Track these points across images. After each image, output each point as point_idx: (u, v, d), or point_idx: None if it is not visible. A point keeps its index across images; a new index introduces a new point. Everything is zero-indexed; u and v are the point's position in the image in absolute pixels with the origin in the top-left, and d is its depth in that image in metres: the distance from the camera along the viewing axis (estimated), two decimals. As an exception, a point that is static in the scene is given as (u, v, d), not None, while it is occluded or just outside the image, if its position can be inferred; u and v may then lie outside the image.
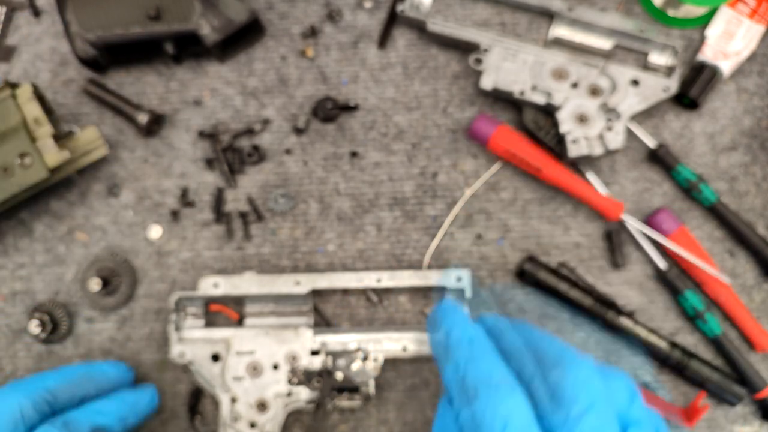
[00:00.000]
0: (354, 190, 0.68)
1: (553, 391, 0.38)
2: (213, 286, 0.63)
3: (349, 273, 0.64)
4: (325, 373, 0.61)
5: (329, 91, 0.70)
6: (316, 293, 0.66)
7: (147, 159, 0.68)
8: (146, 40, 0.65)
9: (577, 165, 0.68)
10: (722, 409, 0.65)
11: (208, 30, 0.65)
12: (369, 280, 0.64)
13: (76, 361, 0.65)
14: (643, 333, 0.64)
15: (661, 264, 0.66)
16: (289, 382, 0.61)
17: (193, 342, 0.62)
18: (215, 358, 0.62)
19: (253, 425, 0.60)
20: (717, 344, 0.65)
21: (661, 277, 0.66)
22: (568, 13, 0.69)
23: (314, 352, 0.62)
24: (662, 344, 0.64)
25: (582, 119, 0.65)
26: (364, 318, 0.66)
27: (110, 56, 0.67)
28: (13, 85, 0.61)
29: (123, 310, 0.66)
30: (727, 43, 0.69)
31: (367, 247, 0.67)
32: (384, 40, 0.71)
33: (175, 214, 0.67)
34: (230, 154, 0.68)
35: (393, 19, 0.71)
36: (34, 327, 0.63)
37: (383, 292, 0.67)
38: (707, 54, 0.69)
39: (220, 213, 0.68)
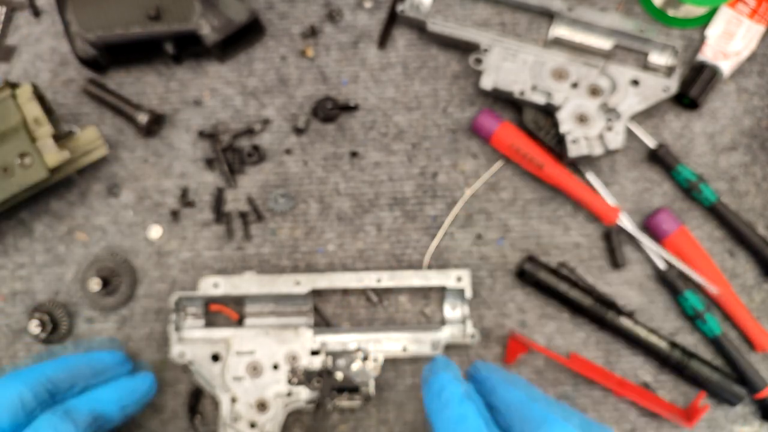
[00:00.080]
0: (354, 190, 0.68)
1: None
2: (213, 286, 0.63)
3: (349, 273, 0.64)
4: (325, 373, 0.61)
5: (329, 91, 0.70)
6: (316, 293, 0.66)
7: (147, 159, 0.68)
8: (146, 40, 0.65)
9: (577, 165, 0.68)
10: (722, 409, 0.65)
11: (208, 30, 0.65)
12: (369, 280, 0.64)
13: None
14: (643, 333, 0.64)
15: (661, 264, 0.66)
16: (289, 382, 0.61)
17: (193, 342, 0.62)
18: (215, 358, 0.62)
19: (253, 425, 0.60)
20: (717, 344, 0.65)
21: (660, 277, 0.66)
22: (568, 13, 0.69)
23: (314, 352, 0.62)
24: (662, 344, 0.64)
25: (582, 119, 0.65)
26: (364, 318, 0.66)
27: (110, 56, 0.67)
28: (13, 85, 0.61)
29: (123, 310, 0.66)
30: (727, 43, 0.69)
31: (367, 247, 0.67)
32: (384, 40, 0.71)
33: (175, 214, 0.67)
34: (230, 154, 0.68)
35: (393, 19, 0.71)
36: (34, 327, 0.63)
37: (383, 292, 0.67)
38: (707, 54, 0.69)
39: (220, 213, 0.68)
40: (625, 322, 0.64)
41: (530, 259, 0.65)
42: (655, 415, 0.64)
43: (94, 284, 0.63)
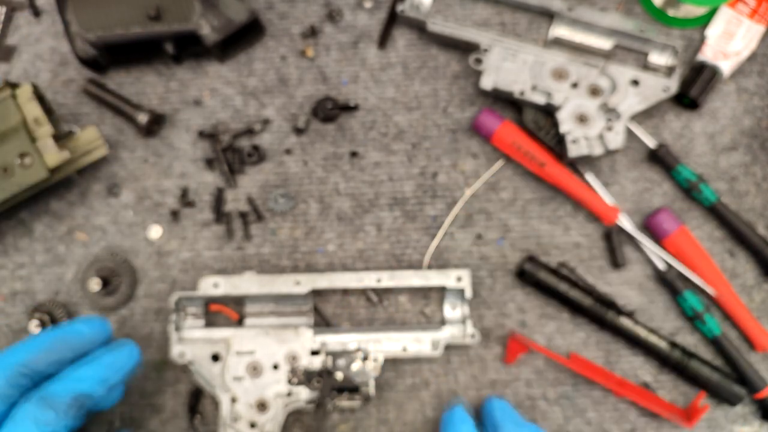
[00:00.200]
0: (354, 190, 0.68)
1: None
2: (213, 286, 0.63)
3: (349, 273, 0.64)
4: (325, 373, 0.61)
5: (329, 91, 0.70)
6: (316, 293, 0.66)
7: (147, 159, 0.68)
8: (146, 40, 0.65)
9: (577, 165, 0.68)
10: (722, 409, 0.65)
11: (208, 30, 0.65)
12: (369, 280, 0.64)
13: None
14: (643, 333, 0.64)
15: (660, 264, 0.66)
16: (289, 382, 0.61)
17: (193, 342, 0.62)
18: (215, 358, 0.62)
19: (253, 425, 0.60)
20: (717, 344, 0.65)
21: (660, 277, 0.66)
22: (568, 13, 0.69)
23: (314, 352, 0.62)
24: (662, 344, 0.64)
25: (582, 119, 0.65)
26: (364, 318, 0.66)
27: (110, 56, 0.67)
28: (13, 85, 0.61)
29: (123, 310, 0.66)
30: (727, 43, 0.69)
31: (367, 247, 0.67)
32: (384, 40, 0.71)
33: (175, 214, 0.67)
34: (230, 154, 0.68)
35: (393, 19, 0.71)
36: (34, 327, 0.63)
37: (383, 292, 0.67)
38: (707, 54, 0.69)
39: (220, 213, 0.68)
40: (625, 322, 0.64)
41: (530, 259, 0.65)
42: (655, 415, 0.64)
43: (94, 284, 0.63)
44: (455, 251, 0.67)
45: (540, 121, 0.67)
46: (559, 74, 0.66)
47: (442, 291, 0.66)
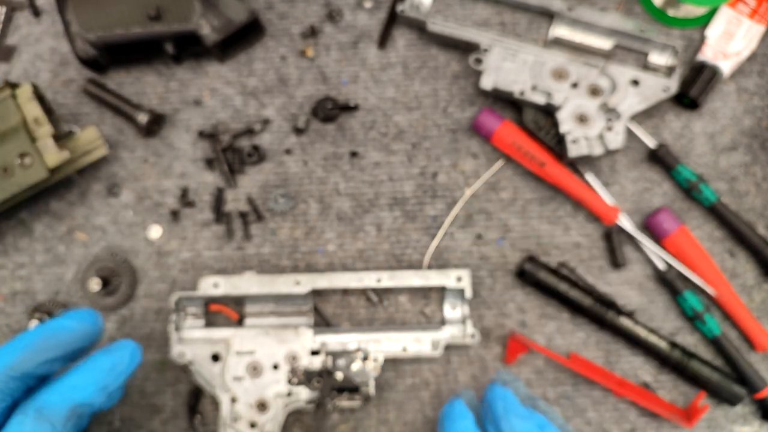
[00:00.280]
0: (354, 190, 0.68)
1: None
2: (213, 286, 0.63)
3: (349, 273, 0.64)
4: (325, 373, 0.61)
5: (329, 91, 0.70)
6: (316, 293, 0.66)
7: (147, 159, 0.68)
8: (146, 40, 0.65)
9: (577, 165, 0.68)
10: (722, 409, 0.65)
11: (208, 30, 0.65)
12: (369, 280, 0.64)
13: None
14: (643, 333, 0.64)
15: (660, 264, 0.66)
16: (289, 382, 0.61)
17: (193, 342, 0.62)
18: (215, 358, 0.62)
19: (253, 425, 0.60)
20: (717, 344, 0.65)
21: (660, 277, 0.66)
22: (568, 13, 0.69)
23: (314, 352, 0.62)
24: (662, 344, 0.64)
25: (582, 119, 0.65)
26: (364, 318, 0.66)
27: (110, 56, 0.67)
28: (13, 85, 0.61)
29: (123, 310, 0.66)
30: (727, 43, 0.69)
31: (367, 247, 0.67)
32: (384, 40, 0.71)
33: (175, 214, 0.67)
34: (230, 154, 0.68)
35: (393, 19, 0.71)
36: (34, 327, 0.63)
37: (383, 292, 0.67)
38: (707, 54, 0.69)
39: (220, 213, 0.68)
40: (625, 322, 0.64)
41: (530, 259, 0.65)
42: (655, 415, 0.64)
43: (94, 284, 0.63)
44: (455, 251, 0.67)
45: (540, 121, 0.67)
46: (559, 74, 0.66)
47: (442, 291, 0.66)
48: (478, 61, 0.67)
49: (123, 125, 0.69)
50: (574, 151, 0.64)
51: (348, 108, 0.70)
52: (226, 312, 0.65)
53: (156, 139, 0.69)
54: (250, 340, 0.62)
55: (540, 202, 0.68)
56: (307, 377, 0.61)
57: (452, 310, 0.66)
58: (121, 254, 0.66)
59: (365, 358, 0.62)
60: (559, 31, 0.70)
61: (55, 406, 0.45)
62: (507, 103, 0.69)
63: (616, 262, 0.67)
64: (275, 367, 0.61)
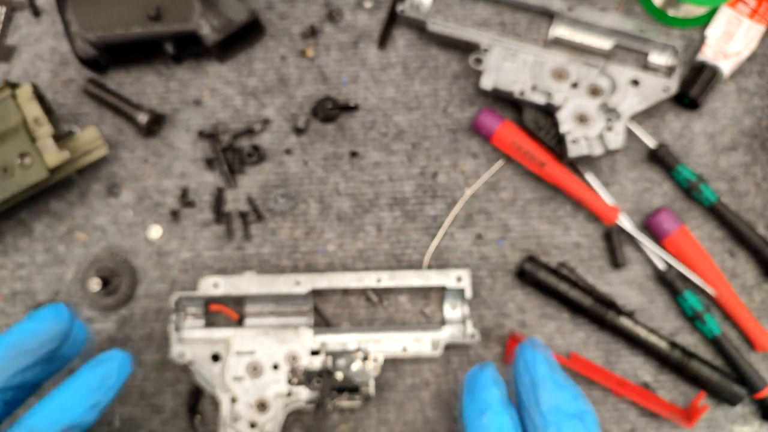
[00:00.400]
0: (354, 190, 0.68)
1: None
2: (213, 286, 0.63)
3: (349, 273, 0.64)
4: (325, 373, 0.61)
5: (329, 91, 0.70)
6: (316, 293, 0.66)
7: (147, 159, 0.68)
8: (146, 40, 0.65)
9: (577, 165, 0.68)
10: (722, 409, 0.65)
11: (208, 30, 0.65)
12: (369, 280, 0.64)
13: (77, 363, 0.62)
14: (643, 333, 0.64)
15: (660, 264, 0.66)
16: (289, 382, 0.61)
17: (193, 342, 0.62)
18: (215, 358, 0.62)
19: (253, 425, 0.60)
20: (717, 344, 0.65)
21: (660, 277, 0.66)
22: (568, 13, 0.69)
23: (314, 352, 0.62)
24: (662, 344, 0.64)
25: (582, 119, 0.65)
26: (364, 318, 0.66)
27: (110, 56, 0.67)
28: (13, 85, 0.61)
29: (123, 310, 0.66)
30: (727, 43, 0.69)
31: (367, 247, 0.67)
32: (384, 40, 0.71)
33: (175, 214, 0.67)
34: (230, 154, 0.68)
35: (393, 19, 0.71)
36: None
37: (383, 292, 0.67)
38: (707, 54, 0.69)
39: (220, 213, 0.68)
40: (625, 322, 0.64)
41: (530, 259, 0.65)
42: (655, 415, 0.64)
43: (94, 284, 0.63)
44: (455, 251, 0.67)
45: (540, 121, 0.67)
46: (559, 74, 0.66)
47: (442, 291, 0.66)
48: (478, 61, 0.67)
49: (123, 125, 0.69)
50: (574, 151, 0.64)
51: (348, 108, 0.70)
52: (226, 312, 0.65)
53: (156, 139, 0.69)
54: (250, 340, 0.62)
55: (540, 202, 0.68)
56: (307, 377, 0.61)
57: (452, 310, 0.66)
58: (121, 254, 0.66)
59: (365, 358, 0.62)
60: (559, 31, 0.70)
61: (45, 429, 0.43)
62: (507, 103, 0.69)
63: (616, 262, 0.67)
64: (275, 367, 0.61)
